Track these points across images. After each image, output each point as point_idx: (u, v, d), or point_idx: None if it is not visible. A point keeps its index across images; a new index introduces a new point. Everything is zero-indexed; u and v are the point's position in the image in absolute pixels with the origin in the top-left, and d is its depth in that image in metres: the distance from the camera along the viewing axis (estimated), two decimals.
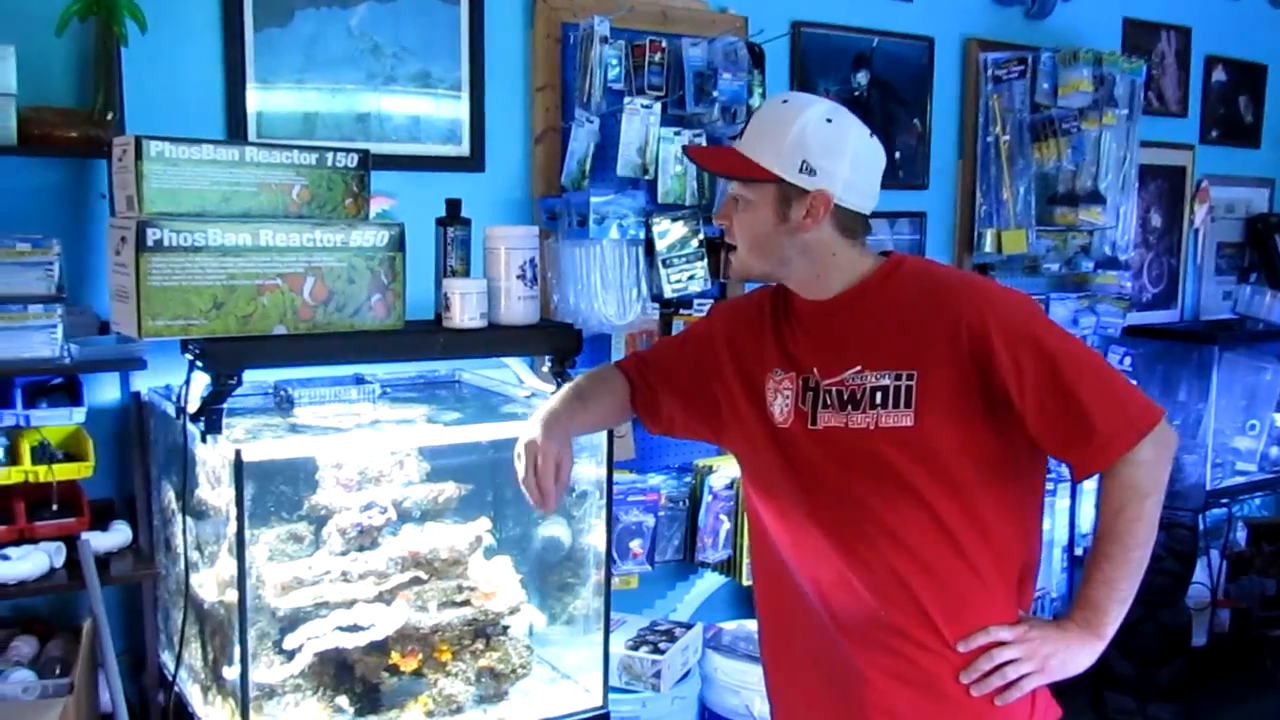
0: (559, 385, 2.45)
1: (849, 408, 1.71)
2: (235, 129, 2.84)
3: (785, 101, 1.75)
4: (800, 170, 1.70)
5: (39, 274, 2.42)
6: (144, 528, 2.68)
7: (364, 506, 2.45)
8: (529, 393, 2.70)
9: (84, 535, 2.47)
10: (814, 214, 1.71)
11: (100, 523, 2.58)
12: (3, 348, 2.38)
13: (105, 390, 2.73)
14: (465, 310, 2.48)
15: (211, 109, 2.82)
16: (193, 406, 2.30)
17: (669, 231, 3.17)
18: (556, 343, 2.57)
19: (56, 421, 2.53)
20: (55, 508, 2.50)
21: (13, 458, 2.50)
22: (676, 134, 3.18)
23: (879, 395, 1.69)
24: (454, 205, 2.59)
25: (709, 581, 3.57)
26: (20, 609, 2.63)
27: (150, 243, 2.15)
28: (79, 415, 2.54)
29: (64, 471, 2.51)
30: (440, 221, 2.59)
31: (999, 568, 1.74)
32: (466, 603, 2.50)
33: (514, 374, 2.83)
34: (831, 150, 1.70)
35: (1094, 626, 1.70)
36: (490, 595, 2.52)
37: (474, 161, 3.10)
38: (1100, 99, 4.05)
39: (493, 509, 2.70)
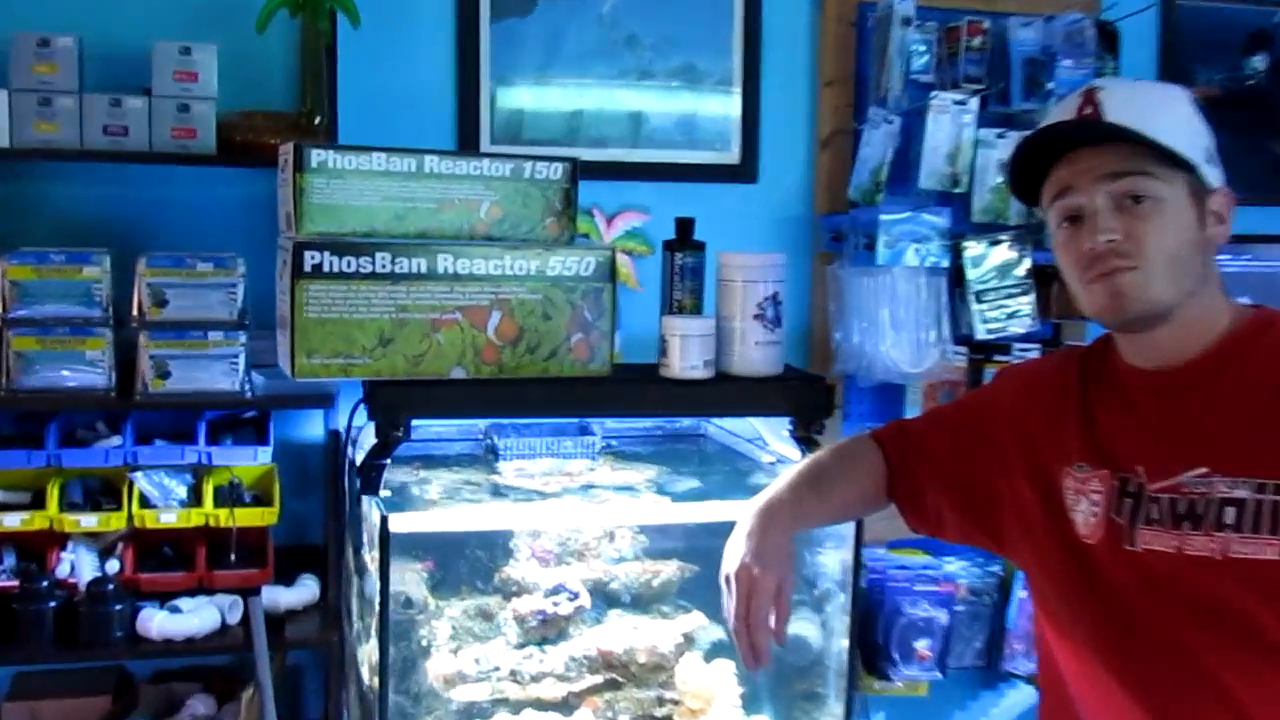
0: (804, 453, 2.14)
1: (1184, 525, 1.36)
2: (466, 134, 2.71)
3: (1137, 79, 1.55)
4: (1207, 160, 1.39)
5: (221, 297, 2.35)
6: (334, 583, 2.51)
7: (549, 590, 2.18)
8: (773, 459, 2.32)
9: (263, 590, 2.40)
10: (1225, 220, 1.41)
11: (286, 575, 2.50)
12: (179, 378, 2.32)
13: (308, 426, 2.63)
14: (685, 356, 2.15)
15: (440, 111, 2.70)
16: (362, 456, 2.12)
17: (985, 257, 2.81)
18: (799, 401, 2.19)
19: (240, 460, 2.45)
20: (233, 557, 2.44)
21: (197, 498, 2.44)
22: (999, 136, 2.80)
23: (1230, 511, 1.33)
24: (685, 226, 2.28)
25: (1020, 696, 3.09)
26: (202, 663, 2.55)
27: (308, 267, 1.96)
28: (264, 455, 2.46)
29: (246, 517, 2.43)
30: (669, 245, 2.28)
31: None
32: (668, 719, 2.18)
33: (757, 430, 2.46)
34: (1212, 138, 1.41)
35: None
36: (699, 711, 2.18)
37: (745, 171, 2.87)
38: None
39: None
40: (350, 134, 2.48)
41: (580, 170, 2.14)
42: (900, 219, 2.70)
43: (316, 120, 2.43)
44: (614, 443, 2.52)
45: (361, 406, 2.09)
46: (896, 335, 2.74)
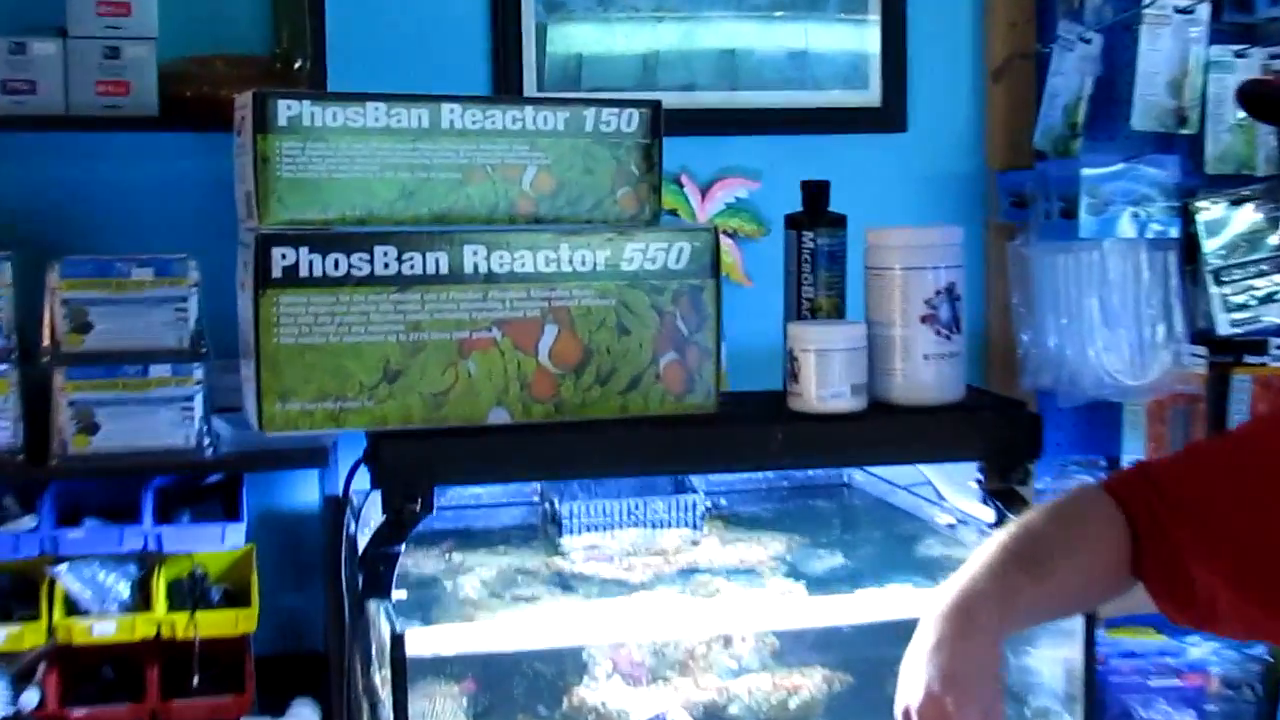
0: (1000, 516, 2.01)
1: None
2: (504, 81, 2.63)
3: None
4: None
5: (166, 316, 2.24)
6: (340, 710, 2.31)
7: None
8: (951, 520, 2.22)
9: None
10: None
11: (274, 701, 2.36)
12: (112, 432, 2.21)
13: (298, 490, 2.56)
14: (824, 380, 1.96)
15: (469, 52, 2.62)
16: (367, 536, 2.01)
17: (1225, 223, 2.73)
18: (992, 438, 2.04)
19: (203, 544, 2.34)
20: (197, 680, 2.32)
21: (145, 599, 2.30)
22: (1239, 55, 2.73)
23: None
24: (816, 192, 2.11)
25: None
26: None
27: (278, 271, 1.80)
28: (235, 535, 2.34)
29: (213, 623, 2.31)
30: (794, 222, 2.11)
31: None
32: None
33: (924, 476, 2.34)
34: None
35: None
36: None
37: (889, 116, 2.81)
38: None
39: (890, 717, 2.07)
40: (343, 85, 2.40)
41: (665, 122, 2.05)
42: (1108, 174, 2.64)
43: (296, 65, 2.42)
44: (723, 501, 2.45)
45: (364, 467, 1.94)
46: (1110, 334, 2.67)
